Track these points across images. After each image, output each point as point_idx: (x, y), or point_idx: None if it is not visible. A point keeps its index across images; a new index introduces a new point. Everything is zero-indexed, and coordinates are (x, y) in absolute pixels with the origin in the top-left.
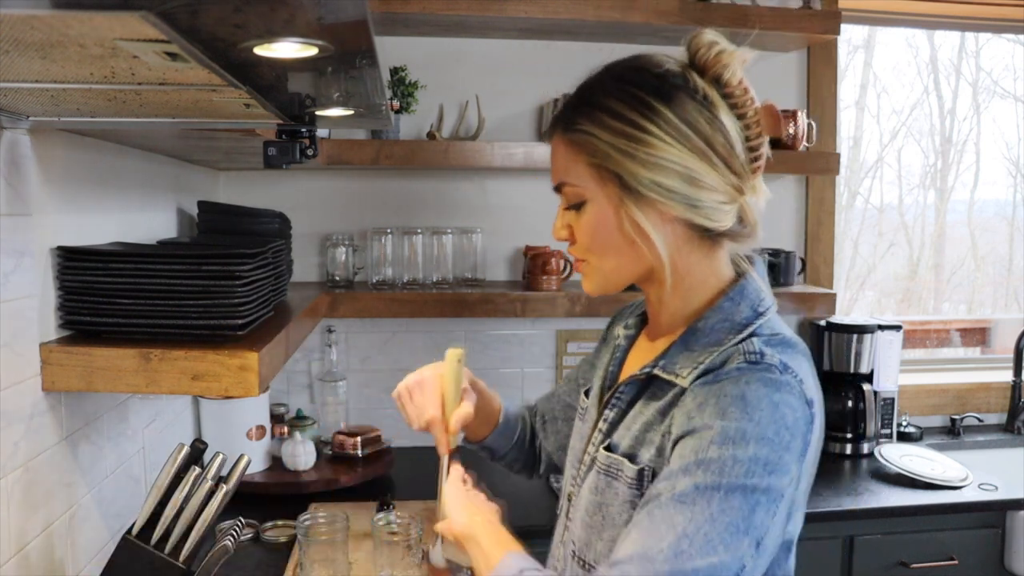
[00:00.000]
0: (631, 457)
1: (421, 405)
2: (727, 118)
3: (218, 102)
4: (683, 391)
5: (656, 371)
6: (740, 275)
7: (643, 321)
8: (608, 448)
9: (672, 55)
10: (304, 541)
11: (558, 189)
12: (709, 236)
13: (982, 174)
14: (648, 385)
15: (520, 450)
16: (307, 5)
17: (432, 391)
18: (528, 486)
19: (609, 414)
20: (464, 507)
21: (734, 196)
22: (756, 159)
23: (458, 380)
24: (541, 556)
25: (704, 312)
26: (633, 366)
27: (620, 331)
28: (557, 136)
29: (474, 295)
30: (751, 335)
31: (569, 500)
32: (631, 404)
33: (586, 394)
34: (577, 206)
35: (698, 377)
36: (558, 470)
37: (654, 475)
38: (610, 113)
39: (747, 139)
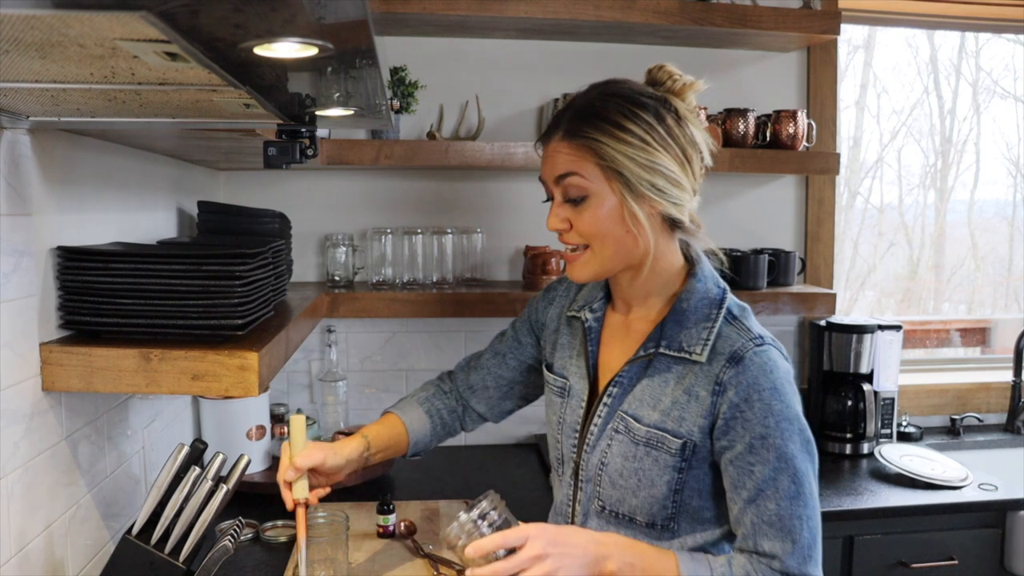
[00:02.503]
0: (672, 432)
1: (279, 472)
2: (696, 131)
3: (218, 102)
4: (700, 365)
5: (662, 351)
6: (693, 260)
7: (604, 304)
8: (636, 420)
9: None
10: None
11: (560, 180)
12: (672, 227)
13: (982, 174)
14: (650, 362)
15: (441, 437)
16: (307, 5)
17: (284, 459)
18: (529, 487)
19: (614, 390)
20: (581, 545)
21: (692, 195)
22: (704, 165)
23: (299, 441)
24: None
25: (680, 293)
26: (617, 345)
27: (587, 315)
28: (559, 140)
29: (474, 295)
30: (728, 308)
31: (578, 466)
32: (637, 379)
33: (551, 371)
34: (576, 200)
35: (712, 353)
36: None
37: (695, 448)
38: (616, 126)
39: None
